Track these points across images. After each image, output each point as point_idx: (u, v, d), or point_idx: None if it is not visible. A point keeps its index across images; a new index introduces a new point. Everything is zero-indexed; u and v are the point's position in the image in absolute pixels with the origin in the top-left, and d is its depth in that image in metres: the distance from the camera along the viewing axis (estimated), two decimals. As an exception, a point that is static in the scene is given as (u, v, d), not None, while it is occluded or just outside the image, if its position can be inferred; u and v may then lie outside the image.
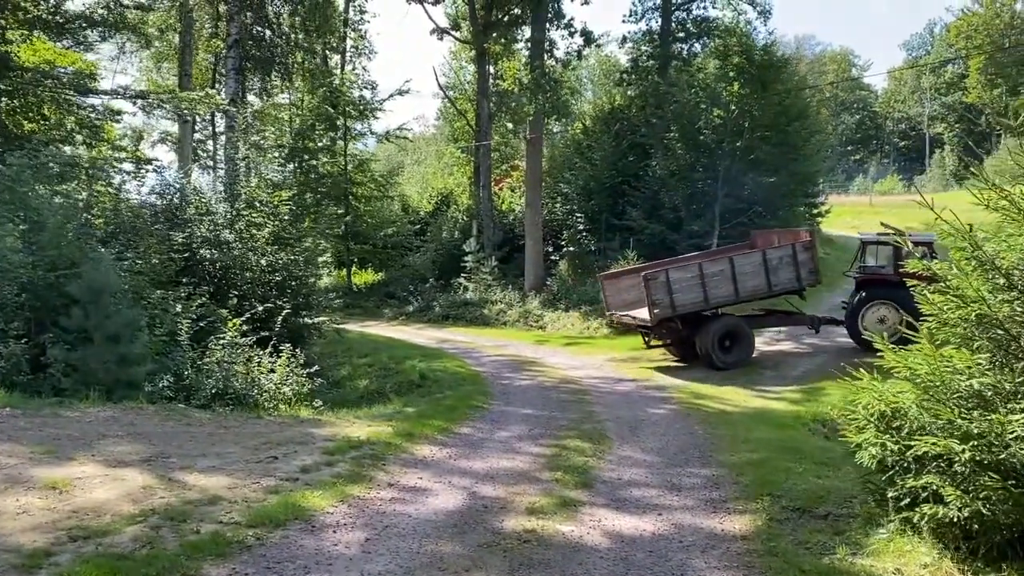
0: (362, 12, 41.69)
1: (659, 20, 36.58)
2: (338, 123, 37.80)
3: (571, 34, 30.42)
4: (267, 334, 14.84)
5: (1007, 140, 61.45)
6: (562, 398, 14.56)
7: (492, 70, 38.02)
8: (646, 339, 19.87)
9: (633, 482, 8.40)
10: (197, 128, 40.44)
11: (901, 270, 17.89)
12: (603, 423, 11.87)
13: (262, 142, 30.92)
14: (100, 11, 19.47)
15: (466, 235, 36.83)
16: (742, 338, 18.27)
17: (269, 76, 26.42)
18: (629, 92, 37.01)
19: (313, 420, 11.39)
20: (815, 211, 34.34)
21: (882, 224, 22.41)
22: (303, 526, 6.51)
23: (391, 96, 44.09)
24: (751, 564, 5.83)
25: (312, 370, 14.06)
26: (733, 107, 30.08)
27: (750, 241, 21.52)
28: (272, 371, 13.38)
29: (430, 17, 39.89)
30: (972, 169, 6.79)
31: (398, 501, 7.44)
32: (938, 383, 5.69)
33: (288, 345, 14.03)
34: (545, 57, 30.34)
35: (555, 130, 38.46)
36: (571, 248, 33.43)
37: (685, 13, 36.74)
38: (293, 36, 25.68)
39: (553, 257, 33.52)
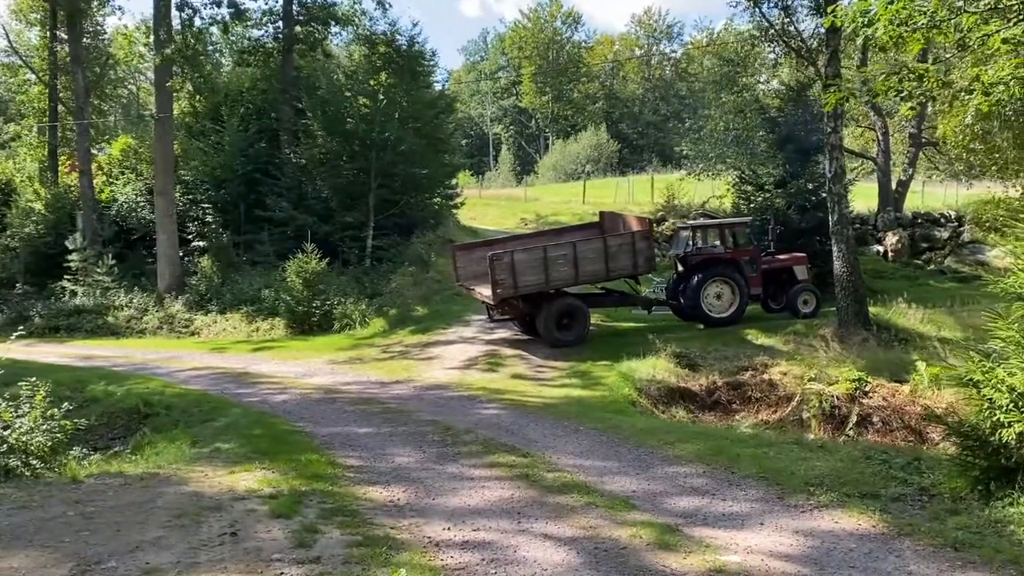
0: None
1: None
2: None
3: (216, 4, 26.96)
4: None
5: (556, 142, 70.17)
6: (366, 410, 12.92)
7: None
8: (490, 314, 19.73)
9: (655, 492, 7.71)
10: None
11: (733, 249, 19.84)
12: (476, 432, 10.74)
13: None
14: None
15: (59, 230, 30.82)
16: (579, 317, 18.71)
17: None
18: (253, 74, 34.19)
19: (151, 475, 8.45)
20: (451, 203, 35.29)
21: (702, 213, 23.81)
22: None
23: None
24: (979, 559, 5.61)
25: (66, 408, 10.47)
26: (381, 96, 29.45)
27: (599, 222, 21.70)
28: (19, 416, 9.66)
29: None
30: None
31: (499, 563, 5.84)
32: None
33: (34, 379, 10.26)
34: (185, 27, 26.45)
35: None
36: (206, 242, 29.97)
37: (308, -5, 34.98)
38: None
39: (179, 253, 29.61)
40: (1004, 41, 11.36)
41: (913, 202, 31.22)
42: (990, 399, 6.55)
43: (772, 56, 28.08)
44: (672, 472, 8.42)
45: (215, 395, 14.96)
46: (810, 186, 23.30)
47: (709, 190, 32.26)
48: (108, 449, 12.75)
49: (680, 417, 14.08)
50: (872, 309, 19.32)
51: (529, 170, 68.80)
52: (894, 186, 28.18)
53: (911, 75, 11.12)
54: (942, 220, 27.50)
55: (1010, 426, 6.33)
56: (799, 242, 22.36)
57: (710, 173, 29.51)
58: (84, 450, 10.79)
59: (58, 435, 9.84)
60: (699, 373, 16.44)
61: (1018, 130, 13.82)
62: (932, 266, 25.95)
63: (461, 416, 12.12)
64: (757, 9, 19.56)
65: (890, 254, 26.50)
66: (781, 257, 21.17)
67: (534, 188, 49.62)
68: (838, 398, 14.04)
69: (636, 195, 38.79)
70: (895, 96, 11.46)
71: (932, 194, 34.41)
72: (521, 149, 75.17)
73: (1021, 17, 11.11)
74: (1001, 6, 11.04)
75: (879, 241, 26.91)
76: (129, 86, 54.71)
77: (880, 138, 27.49)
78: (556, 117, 73.59)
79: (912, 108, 12.23)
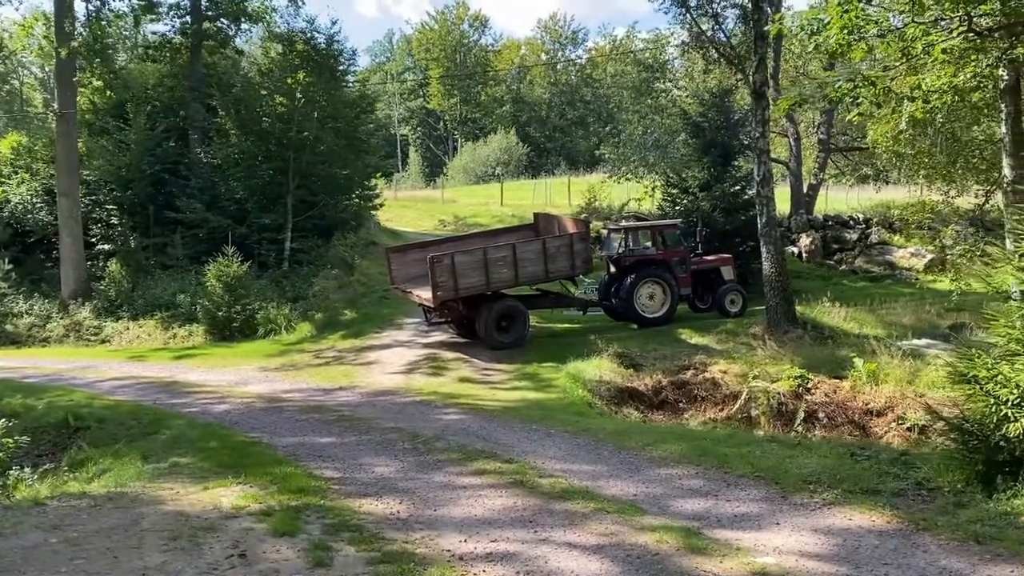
0: None
1: (188, -7, 32.94)
2: None
3: (125, -7, 25.54)
4: None
5: (464, 144, 69.97)
6: (320, 419, 12.44)
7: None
8: (427, 317, 19.59)
9: (656, 495, 7.64)
10: None
11: (664, 251, 20.21)
12: (446, 438, 10.47)
13: None
14: None
15: (-54, 233, 28.73)
16: (519, 319, 18.65)
17: None
18: (159, 70, 32.69)
19: (118, 494, 7.85)
20: (370, 204, 34.62)
21: (633, 215, 23.95)
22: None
23: None
24: (1006, 552, 5.74)
25: (4, 424, 9.68)
26: (299, 95, 28.69)
27: (533, 224, 21.88)
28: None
29: None
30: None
31: (536, 574, 5.67)
32: None
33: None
34: (92, 19, 24.98)
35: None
36: (112, 245, 28.56)
37: (217, -11, 33.68)
38: None
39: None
40: (943, 51, 11.91)
41: (818, 205, 32.51)
42: (995, 395, 6.75)
43: (688, 63, 28.79)
44: (665, 474, 8.40)
45: (149, 406, 14.15)
46: (733, 189, 23.92)
47: (625, 193, 32.66)
48: (36, 467, 11.87)
49: (634, 417, 14.17)
50: (797, 308, 19.96)
51: (438, 172, 68.32)
52: (805, 190, 29.26)
53: (865, 82, 11.53)
54: (851, 223, 28.73)
55: (1016, 420, 6.55)
56: (718, 244, 22.86)
57: (630, 176, 29.84)
58: (24, 469, 9.96)
59: None
60: (643, 373, 16.59)
61: (944, 135, 14.57)
62: (844, 266, 27.07)
63: (423, 422, 11.83)
64: (689, 16, 19.91)
65: (804, 255, 27.50)
66: (709, 258, 21.64)
67: (450, 190, 49.28)
68: (783, 395, 14.40)
69: (553, 197, 39.02)
70: (850, 102, 11.85)
71: (835, 198, 35.93)
72: (429, 151, 74.62)
73: (963, 28, 11.68)
74: (944, 18, 11.56)
75: (793, 243, 27.89)
76: (12, 81, 51.68)
77: (792, 144, 28.48)
78: (464, 120, 73.36)
79: (861, 114, 12.71)
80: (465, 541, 6.44)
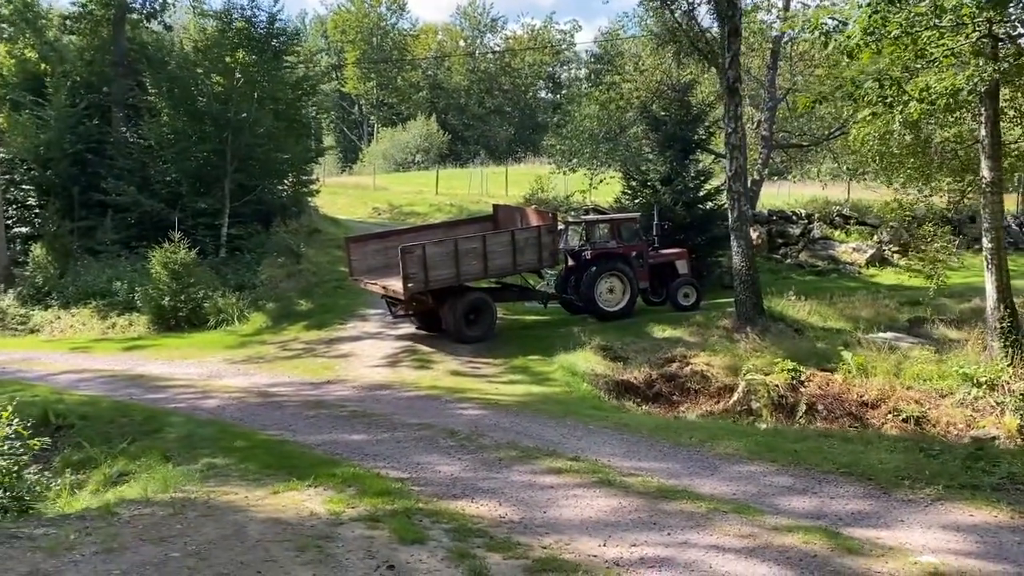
0: None
1: (110, -39, 30.98)
2: None
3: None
4: None
5: (381, 130, 68.64)
6: (331, 414, 11.90)
7: None
8: (392, 309, 19.05)
9: (756, 494, 7.54)
10: None
11: (624, 244, 20.07)
12: (489, 435, 10.12)
13: None
14: None
15: None
16: (486, 312, 18.27)
17: None
18: (78, 43, 30.65)
19: (187, 500, 7.17)
20: (304, 190, 33.47)
21: (593, 208, 23.45)
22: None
23: None
24: None
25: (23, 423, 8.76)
26: (238, 75, 27.43)
27: (492, 215, 21.32)
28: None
29: None
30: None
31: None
32: None
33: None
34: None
35: None
36: (30, 228, 26.72)
37: (141, -42, 31.82)
38: None
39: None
40: (954, 55, 12.26)
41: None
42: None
43: (641, 56, 29.01)
44: (746, 472, 8.31)
45: (130, 402, 13.21)
46: (693, 183, 24.20)
47: (565, 185, 32.50)
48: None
49: (640, 411, 14.11)
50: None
51: (354, 158, 66.77)
52: (749, 184, 29.90)
53: (891, 82, 11.76)
54: (794, 217, 29.59)
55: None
56: (681, 237, 23.05)
57: (576, 168, 29.62)
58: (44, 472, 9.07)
59: (24, 457, 8.20)
60: (629, 366, 16.52)
61: (929, 136, 15.10)
62: (789, 260, 27.84)
63: (446, 418, 11.42)
64: (666, 9, 19.94)
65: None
66: (665, 252, 21.73)
67: (380, 177, 48.16)
68: (781, 387, 14.61)
69: (489, 187, 38.67)
70: (876, 100, 12.07)
71: (767, 193, 36.95)
72: (343, 135, 72.81)
73: (983, 32, 12.04)
74: (963, 23, 11.89)
75: (739, 237, 28.45)
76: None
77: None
78: (380, 104, 71.98)
79: (874, 113, 12.97)
80: (603, 545, 6.17)
